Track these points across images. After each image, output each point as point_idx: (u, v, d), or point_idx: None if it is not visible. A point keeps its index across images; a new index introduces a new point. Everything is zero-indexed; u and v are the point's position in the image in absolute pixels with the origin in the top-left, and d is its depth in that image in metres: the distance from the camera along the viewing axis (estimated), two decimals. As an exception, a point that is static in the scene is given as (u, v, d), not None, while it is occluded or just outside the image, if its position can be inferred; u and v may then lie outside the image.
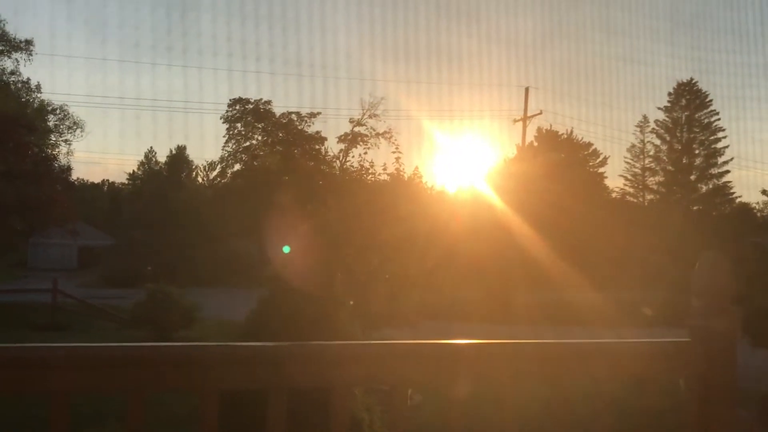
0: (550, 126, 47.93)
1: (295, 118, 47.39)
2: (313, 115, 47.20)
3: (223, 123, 48.28)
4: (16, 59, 33.19)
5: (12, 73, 33.59)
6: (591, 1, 59.11)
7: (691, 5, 64.74)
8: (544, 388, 2.04)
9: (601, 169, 51.13)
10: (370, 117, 45.27)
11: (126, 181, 65.26)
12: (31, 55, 33.15)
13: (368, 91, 61.35)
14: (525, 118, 33.56)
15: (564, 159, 46.03)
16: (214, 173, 56.69)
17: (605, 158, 50.91)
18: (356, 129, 45.76)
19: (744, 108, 64.90)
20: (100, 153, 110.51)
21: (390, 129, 44.77)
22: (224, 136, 48.85)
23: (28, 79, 35.19)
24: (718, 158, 53.42)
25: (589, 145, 50.22)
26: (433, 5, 41.24)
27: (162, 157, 58.35)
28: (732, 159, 52.77)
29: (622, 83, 58.13)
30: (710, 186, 53.88)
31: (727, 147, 52.90)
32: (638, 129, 54.85)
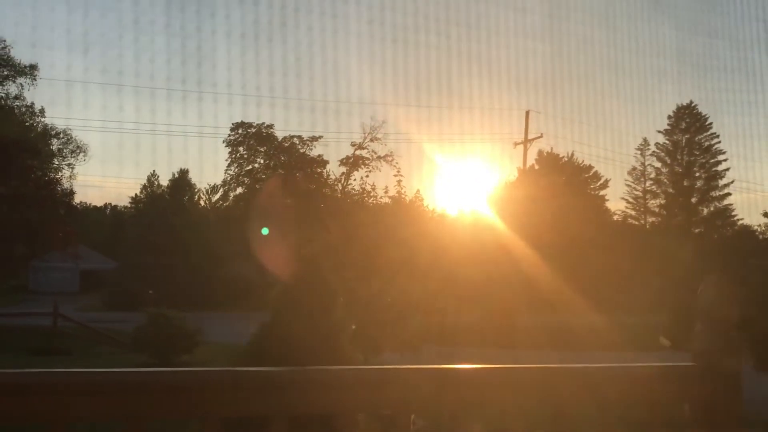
0: (551, 149, 48.12)
1: (297, 142, 47.66)
2: (314, 138, 47.48)
3: (226, 147, 48.56)
4: (21, 84, 33.48)
5: (16, 97, 33.83)
6: (591, 25, 59.62)
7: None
8: (548, 412, 2.02)
9: (602, 192, 51.24)
10: (371, 140, 45.53)
11: (128, 205, 65.46)
12: (35, 79, 33.43)
13: (369, 114, 61.77)
14: (526, 141, 33.66)
15: (565, 182, 46.12)
16: (217, 197, 56.83)
17: (606, 181, 51.05)
18: (358, 152, 45.98)
19: (745, 132, 64.90)
20: (102, 176, 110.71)
21: (391, 152, 44.96)
22: (227, 160, 49.12)
23: (32, 103, 35.43)
24: (719, 181, 53.52)
25: (590, 167, 50.37)
26: (434, 29, 41.81)
27: (164, 180, 58.52)
28: (733, 182, 52.89)
29: (623, 106, 58.34)
30: (711, 208, 53.90)
31: (727, 170, 53.07)
32: (639, 152, 55.07)
